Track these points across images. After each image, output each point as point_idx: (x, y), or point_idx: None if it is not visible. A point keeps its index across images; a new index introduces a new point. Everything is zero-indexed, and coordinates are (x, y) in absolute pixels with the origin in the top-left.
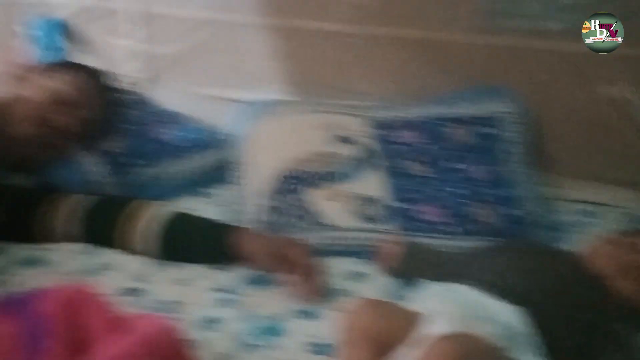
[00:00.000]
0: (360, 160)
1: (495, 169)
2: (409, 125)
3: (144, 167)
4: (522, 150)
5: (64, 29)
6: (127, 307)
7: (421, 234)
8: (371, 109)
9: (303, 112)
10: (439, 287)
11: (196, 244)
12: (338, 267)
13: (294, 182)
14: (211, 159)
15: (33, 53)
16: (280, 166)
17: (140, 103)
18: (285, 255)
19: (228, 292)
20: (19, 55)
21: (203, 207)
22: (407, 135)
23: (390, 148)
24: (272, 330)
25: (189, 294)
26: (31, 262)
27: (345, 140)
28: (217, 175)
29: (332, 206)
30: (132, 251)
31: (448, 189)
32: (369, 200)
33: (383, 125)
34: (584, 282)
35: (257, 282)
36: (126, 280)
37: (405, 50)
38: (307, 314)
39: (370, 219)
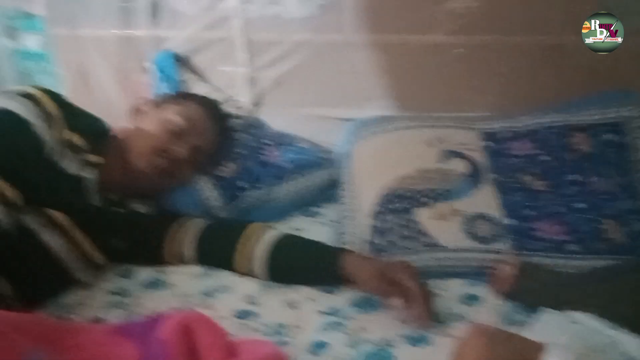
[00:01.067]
0: (470, 176)
1: (620, 179)
2: (522, 135)
3: (254, 190)
4: None
5: (177, 61)
6: (240, 329)
7: (538, 253)
8: (481, 121)
9: (409, 128)
10: (556, 314)
11: (304, 266)
12: (449, 290)
13: (400, 201)
14: (319, 179)
15: (150, 86)
16: (385, 184)
17: (249, 127)
18: (392, 278)
19: (336, 315)
20: (137, 89)
21: (311, 226)
22: (520, 147)
23: (503, 161)
24: (380, 357)
25: (298, 317)
26: (153, 285)
27: (453, 155)
28: (325, 194)
29: (441, 225)
30: (245, 273)
31: (567, 203)
32: (481, 218)
33: (494, 137)
34: None
35: (364, 305)
36: (239, 303)
37: (513, 57)
38: (416, 340)
39: (482, 238)
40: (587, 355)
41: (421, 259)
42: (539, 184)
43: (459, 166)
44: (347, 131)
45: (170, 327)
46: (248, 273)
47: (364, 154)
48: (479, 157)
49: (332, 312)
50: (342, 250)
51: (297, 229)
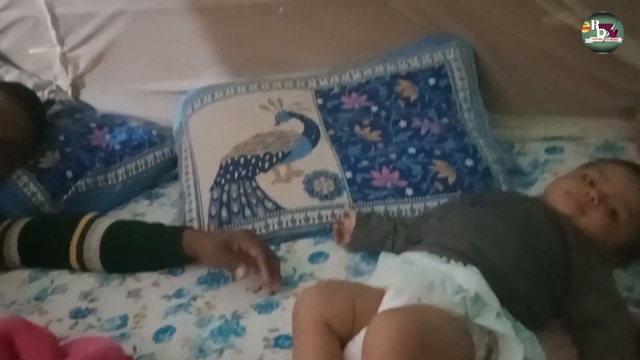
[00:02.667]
0: (307, 135)
1: (445, 121)
2: (353, 89)
3: (84, 178)
4: (472, 97)
5: None
6: (78, 330)
7: (378, 201)
8: (313, 79)
9: (243, 93)
10: (393, 257)
11: (143, 251)
12: (297, 251)
13: (241, 169)
14: (155, 158)
15: None
16: (224, 154)
17: (71, 111)
18: (235, 248)
19: (182, 297)
20: None
21: (154, 209)
22: (352, 100)
23: (337, 116)
24: (230, 331)
25: (141, 306)
26: None
27: (289, 116)
28: (165, 173)
29: (282, 188)
30: (80, 269)
31: (400, 150)
32: (321, 175)
33: (327, 94)
34: (544, 228)
35: (211, 281)
36: (75, 302)
37: (338, 12)
38: (266, 307)
39: (324, 195)
40: (423, 293)
41: (266, 224)
42: (372, 135)
43: (295, 127)
44: (180, 104)
45: None
46: (84, 268)
47: (200, 126)
48: (314, 115)
49: (178, 295)
50: (181, 228)
51: (138, 214)
